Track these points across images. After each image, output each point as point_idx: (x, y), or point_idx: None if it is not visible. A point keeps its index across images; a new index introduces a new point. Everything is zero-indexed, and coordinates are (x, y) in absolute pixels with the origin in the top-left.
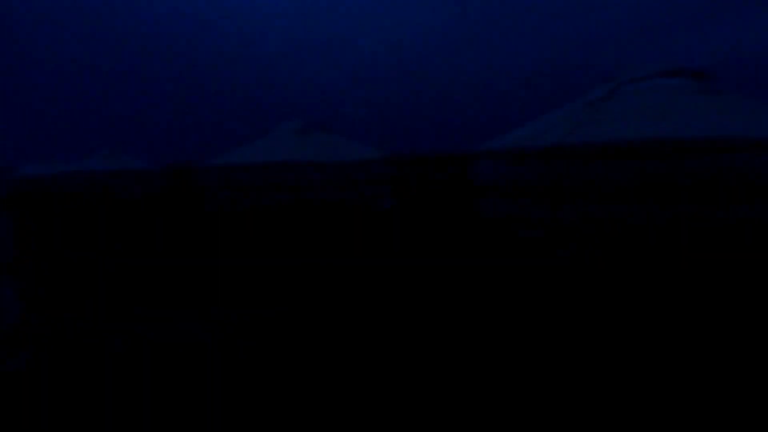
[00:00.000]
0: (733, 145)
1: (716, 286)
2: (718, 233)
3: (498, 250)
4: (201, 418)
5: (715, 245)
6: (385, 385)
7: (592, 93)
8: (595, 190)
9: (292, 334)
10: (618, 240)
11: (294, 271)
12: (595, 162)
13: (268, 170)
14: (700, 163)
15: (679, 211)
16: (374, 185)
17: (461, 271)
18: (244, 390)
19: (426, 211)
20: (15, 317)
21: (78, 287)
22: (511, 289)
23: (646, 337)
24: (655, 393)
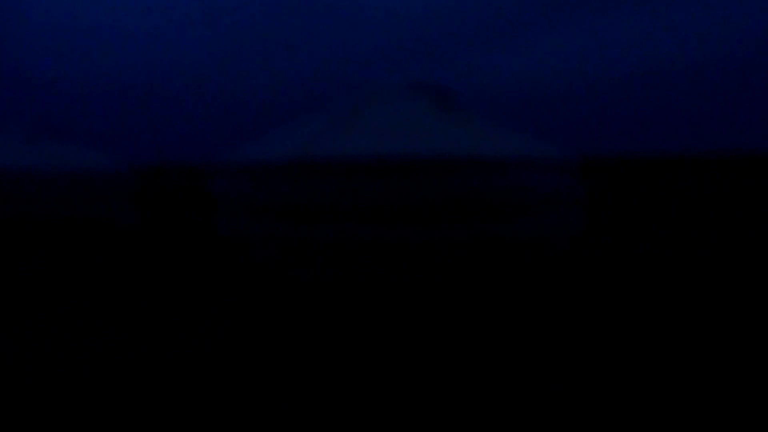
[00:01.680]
0: (473, 164)
1: (456, 309)
2: (454, 253)
3: (234, 273)
4: None
5: (455, 265)
6: None
7: (338, 105)
8: (338, 208)
9: None
10: (359, 261)
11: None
12: (337, 179)
13: None
14: (439, 182)
15: (425, 231)
16: (113, 199)
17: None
18: None
19: (168, 228)
20: None
21: None
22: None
23: (390, 366)
24: None
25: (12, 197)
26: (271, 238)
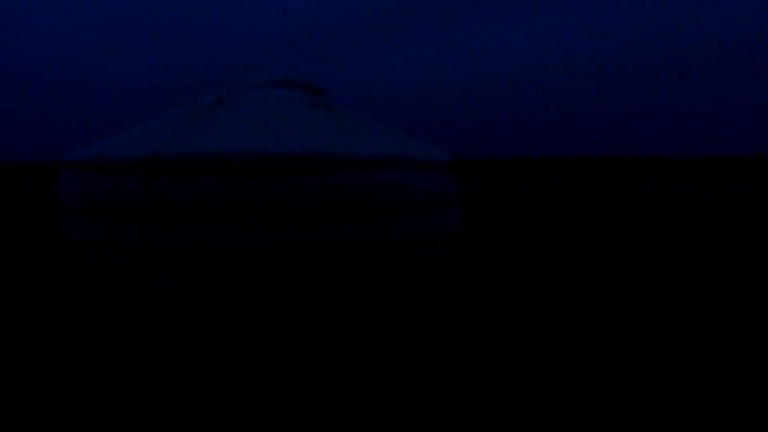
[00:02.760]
0: (341, 162)
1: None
2: (319, 256)
3: (80, 280)
4: None
5: (320, 268)
6: None
7: (200, 99)
8: (191, 209)
9: None
10: (210, 266)
11: None
12: (189, 178)
13: None
14: (302, 181)
15: (286, 233)
16: None
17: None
18: None
19: (10, 231)
20: None
21: None
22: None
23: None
24: None
25: None
26: (122, 242)
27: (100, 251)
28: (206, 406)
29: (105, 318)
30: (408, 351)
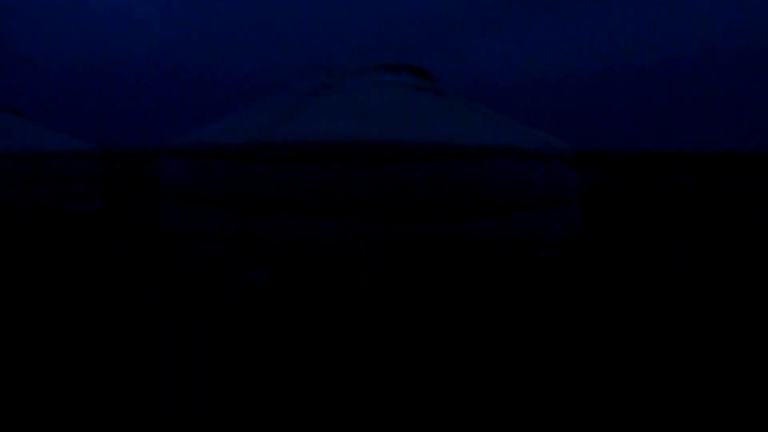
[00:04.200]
0: (455, 152)
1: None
2: (429, 253)
3: (180, 269)
4: None
5: (430, 267)
6: None
7: (302, 84)
8: (293, 201)
9: None
10: (320, 263)
11: None
12: (291, 166)
13: None
14: (412, 172)
15: (396, 228)
16: (77, 183)
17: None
18: None
19: (124, 216)
20: None
21: None
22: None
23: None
24: None
25: None
26: (217, 232)
27: (195, 242)
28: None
29: (195, 311)
30: (515, 361)
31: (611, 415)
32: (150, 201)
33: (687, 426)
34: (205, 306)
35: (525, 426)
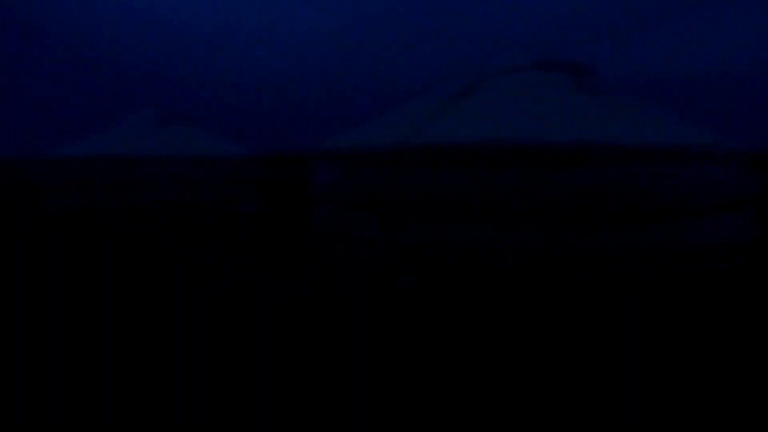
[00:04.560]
0: (614, 153)
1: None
2: (591, 262)
3: (328, 274)
4: None
5: (592, 277)
6: None
7: (450, 85)
8: (443, 203)
9: None
10: (468, 267)
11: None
12: (442, 169)
13: (115, 165)
14: (572, 175)
15: (548, 235)
16: (238, 185)
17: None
18: None
19: (281, 218)
20: None
21: None
22: (339, 320)
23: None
24: None
25: (140, 182)
26: (365, 236)
27: (345, 245)
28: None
29: (339, 314)
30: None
31: None
32: (305, 204)
33: None
34: (357, 307)
35: None
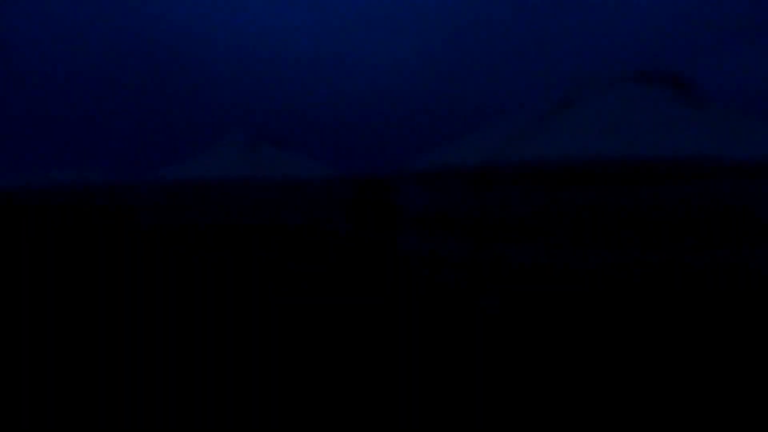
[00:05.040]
0: (720, 169)
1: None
2: (692, 286)
3: (411, 297)
4: None
5: (686, 302)
6: None
7: (543, 102)
8: (533, 223)
9: None
10: (553, 291)
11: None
12: (532, 187)
13: (208, 188)
14: (676, 191)
15: (645, 256)
16: (328, 208)
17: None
18: None
19: (370, 241)
20: None
21: None
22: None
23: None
24: None
25: (231, 205)
26: (451, 257)
27: (431, 267)
28: None
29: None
30: None
31: None
32: (392, 226)
33: None
34: (435, 331)
35: None
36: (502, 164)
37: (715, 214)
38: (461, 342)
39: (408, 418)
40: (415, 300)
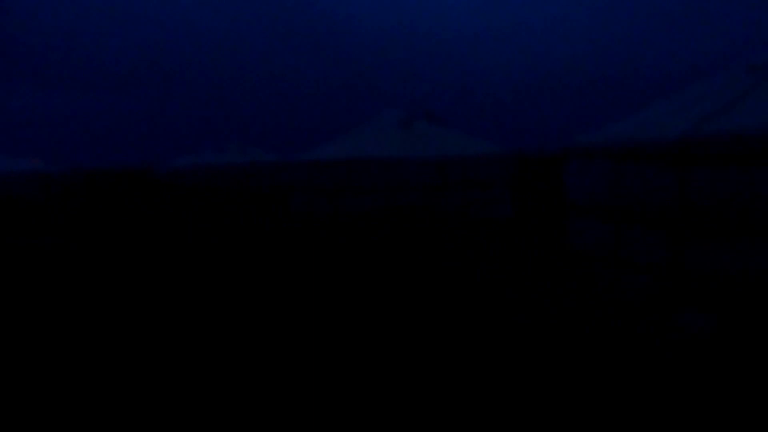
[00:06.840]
0: None
1: None
2: None
3: (585, 299)
4: None
5: None
6: None
7: (734, 71)
8: (747, 216)
9: None
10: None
11: None
12: (745, 169)
13: (359, 167)
14: None
15: None
16: (490, 188)
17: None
18: None
19: (534, 227)
20: None
21: None
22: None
23: None
24: None
25: (386, 185)
26: (638, 256)
27: (610, 267)
28: None
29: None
30: None
31: None
32: (558, 210)
33: None
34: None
35: None
36: (705, 138)
37: None
38: (648, 373)
39: None
40: (590, 312)
